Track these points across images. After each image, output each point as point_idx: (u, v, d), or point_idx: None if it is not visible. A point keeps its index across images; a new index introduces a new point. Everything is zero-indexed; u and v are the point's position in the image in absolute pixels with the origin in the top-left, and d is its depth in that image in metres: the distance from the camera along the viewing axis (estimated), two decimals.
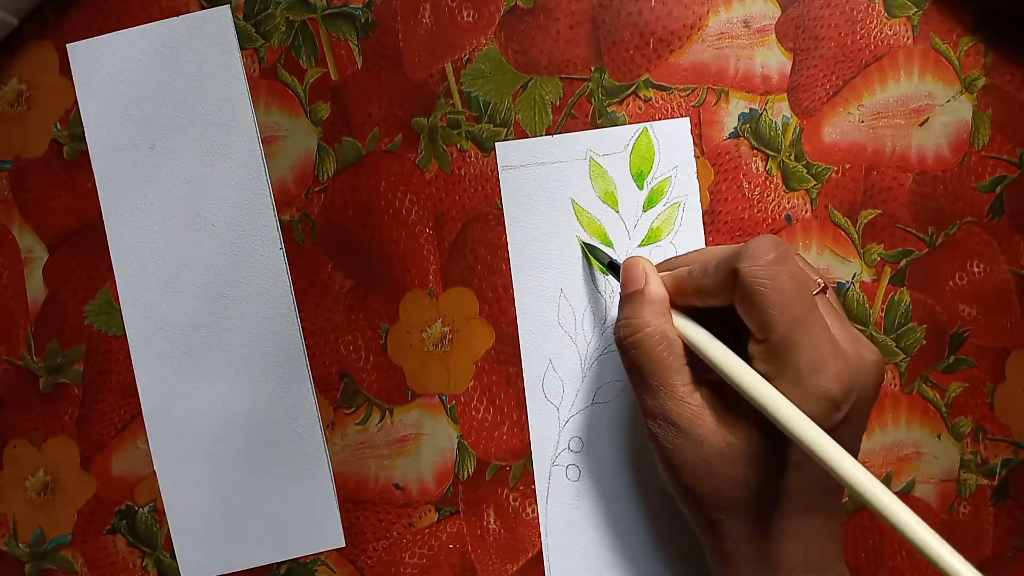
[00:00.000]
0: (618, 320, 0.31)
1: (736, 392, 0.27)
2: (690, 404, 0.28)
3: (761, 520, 0.28)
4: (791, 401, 0.26)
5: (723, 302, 0.28)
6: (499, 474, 0.38)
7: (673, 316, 0.30)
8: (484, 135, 0.37)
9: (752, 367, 0.27)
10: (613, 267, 0.34)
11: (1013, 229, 0.37)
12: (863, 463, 0.37)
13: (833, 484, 0.27)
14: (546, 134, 0.37)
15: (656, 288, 0.30)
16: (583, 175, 0.37)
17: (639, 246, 0.37)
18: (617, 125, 0.37)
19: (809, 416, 0.25)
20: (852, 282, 0.37)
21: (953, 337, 0.37)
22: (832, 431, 0.26)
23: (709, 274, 0.29)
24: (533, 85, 0.37)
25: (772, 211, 0.37)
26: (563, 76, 0.37)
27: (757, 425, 0.27)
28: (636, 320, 0.30)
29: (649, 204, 0.37)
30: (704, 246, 0.37)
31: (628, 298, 0.31)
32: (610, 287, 0.37)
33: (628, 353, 0.30)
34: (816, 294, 0.28)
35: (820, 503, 0.28)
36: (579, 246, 0.37)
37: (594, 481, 0.37)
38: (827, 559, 0.29)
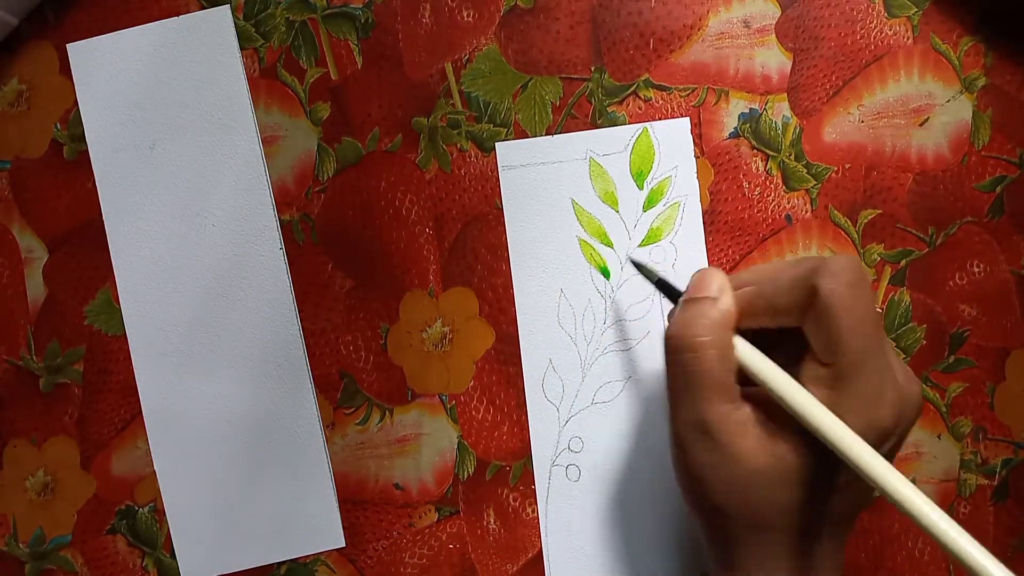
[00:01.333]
0: (677, 319, 0.29)
1: (780, 413, 0.27)
2: (735, 421, 0.27)
3: (793, 541, 0.28)
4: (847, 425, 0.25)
5: (794, 322, 0.27)
6: (499, 474, 0.38)
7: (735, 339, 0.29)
8: (484, 135, 0.37)
9: (810, 387, 0.26)
10: (664, 286, 0.33)
11: (1013, 229, 0.37)
12: None
13: (857, 508, 0.27)
14: (546, 134, 0.37)
15: (728, 301, 0.29)
16: (583, 175, 0.37)
17: (639, 246, 0.37)
18: (617, 125, 0.37)
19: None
20: None
21: (953, 337, 0.37)
22: None
23: (783, 291, 0.28)
24: (533, 85, 0.37)
25: (772, 211, 0.37)
26: (563, 76, 0.37)
27: (803, 448, 0.27)
28: (701, 323, 0.28)
29: (649, 204, 0.37)
30: (704, 246, 0.37)
31: (696, 303, 0.29)
32: (610, 288, 0.37)
33: (681, 355, 0.28)
34: None
35: (846, 524, 0.28)
36: (628, 261, 0.36)
37: (594, 481, 0.37)
38: (839, 572, 0.29)
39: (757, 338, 0.28)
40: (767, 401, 0.27)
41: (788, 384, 0.27)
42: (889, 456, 0.27)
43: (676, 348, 0.28)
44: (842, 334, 0.26)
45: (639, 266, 0.34)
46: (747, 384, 0.28)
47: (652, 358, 0.37)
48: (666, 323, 0.32)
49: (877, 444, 0.26)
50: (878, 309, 0.29)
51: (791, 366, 0.28)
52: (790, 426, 0.27)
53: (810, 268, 0.27)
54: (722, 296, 0.29)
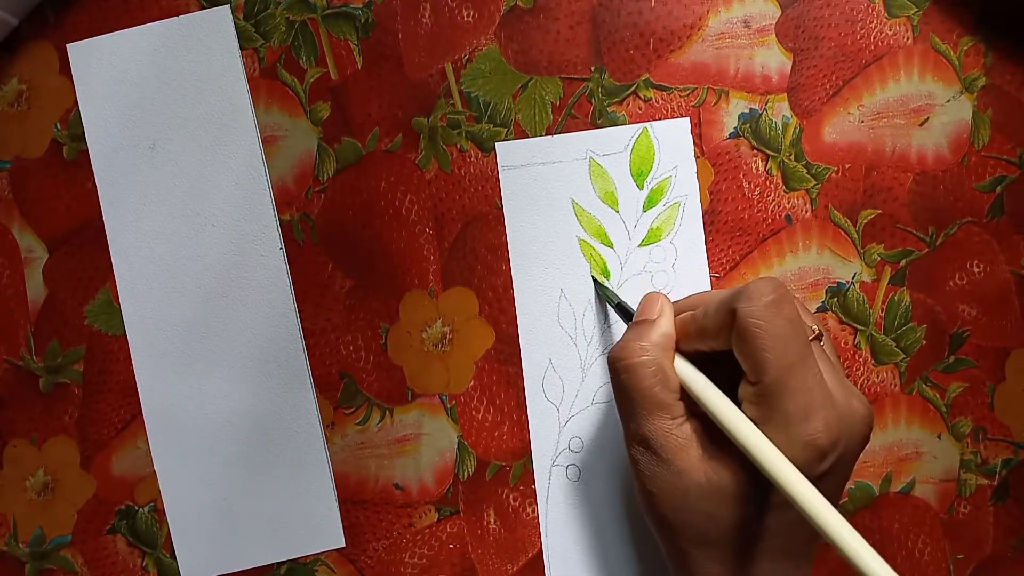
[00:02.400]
0: (619, 341, 0.31)
1: (721, 432, 0.27)
2: (675, 436, 0.28)
3: (734, 558, 0.28)
4: (777, 446, 0.26)
5: (723, 345, 0.28)
6: (499, 474, 0.38)
7: (675, 357, 0.30)
8: (484, 135, 0.37)
9: (743, 408, 0.27)
10: (621, 309, 0.34)
11: (1013, 229, 0.37)
12: (863, 463, 0.37)
13: (810, 530, 0.27)
14: (546, 134, 0.37)
15: (666, 323, 0.30)
16: (583, 175, 0.37)
17: (639, 246, 0.37)
18: (617, 125, 0.37)
19: (795, 461, 0.25)
20: (852, 282, 0.37)
21: (953, 337, 0.37)
22: (816, 480, 0.26)
23: (710, 315, 0.28)
24: (533, 85, 0.37)
25: (772, 211, 0.37)
26: (563, 76, 0.37)
27: (741, 465, 0.27)
28: (636, 345, 0.29)
29: (649, 204, 0.37)
30: (704, 246, 0.37)
31: (636, 325, 0.31)
32: (610, 288, 0.37)
33: (620, 376, 0.30)
34: (811, 340, 0.28)
35: (795, 548, 0.28)
36: (589, 276, 0.37)
37: (594, 481, 0.37)
38: None
39: (722, 362, 0.29)
40: (712, 420, 0.28)
41: (719, 401, 0.27)
42: (840, 477, 0.28)
43: (615, 369, 0.30)
44: (759, 353, 0.26)
45: (600, 285, 0.36)
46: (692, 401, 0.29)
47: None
48: None
49: (814, 461, 0.26)
50: (813, 328, 0.29)
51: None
52: (730, 445, 0.27)
53: (733, 292, 0.28)
54: (661, 319, 0.30)
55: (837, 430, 0.26)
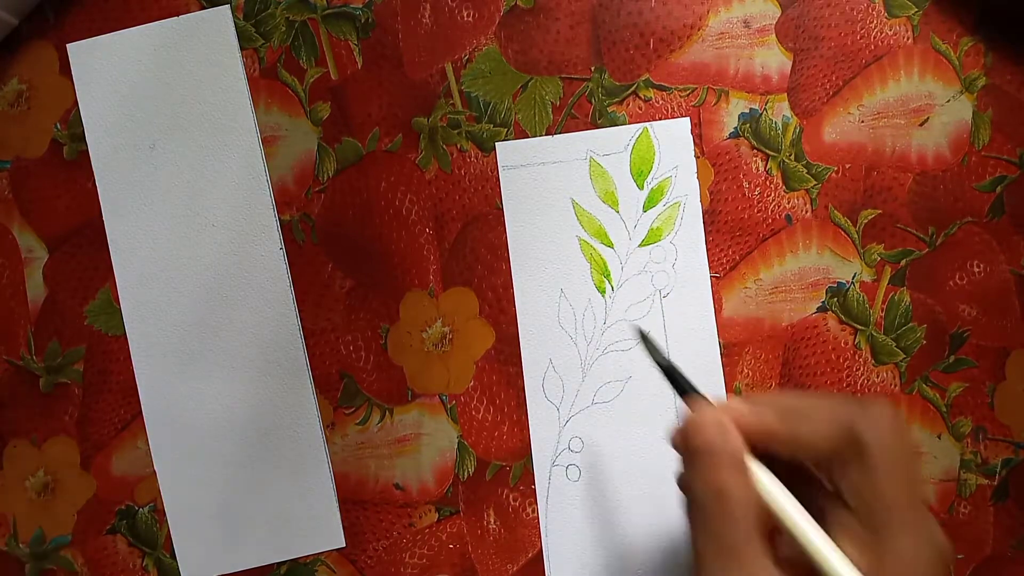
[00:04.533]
0: (696, 464, 0.26)
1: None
2: None
3: None
4: None
5: (817, 457, 0.25)
6: (499, 474, 0.38)
7: (757, 475, 0.25)
8: (484, 135, 0.37)
9: (840, 540, 0.24)
10: (668, 372, 0.29)
11: (1013, 229, 0.37)
12: None
13: None
14: (546, 134, 0.37)
15: (737, 440, 0.26)
16: (583, 175, 0.37)
17: (639, 246, 0.37)
18: (617, 125, 0.37)
19: None
20: (852, 282, 0.37)
21: (953, 337, 0.37)
22: None
23: (816, 421, 0.25)
24: (533, 85, 0.37)
25: (772, 211, 0.37)
26: (563, 76, 0.37)
27: None
28: (719, 464, 0.25)
29: (649, 204, 0.37)
30: (704, 246, 0.37)
31: (702, 450, 0.26)
32: (610, 287, 0.37)
33: (706, 503, 0.25)
34: None
35: None
36: (636, 332, 0.32)
37: (594, 481, 0.37)
38: None
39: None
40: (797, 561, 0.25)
41: (818, 540, 0.24)
42: None
43: (702, 496, 0.25)
44: (888, 488, 0.24)
45: (647, 342, 0.31)
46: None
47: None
48: (678, 422, 0.30)
49: None
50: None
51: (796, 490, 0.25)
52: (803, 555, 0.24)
53: (846, 405, 0.25)
54: (729, 433, 0.26)
55: (938, 571, 0.24)
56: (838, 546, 0.24)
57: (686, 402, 0.28)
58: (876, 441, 0.24)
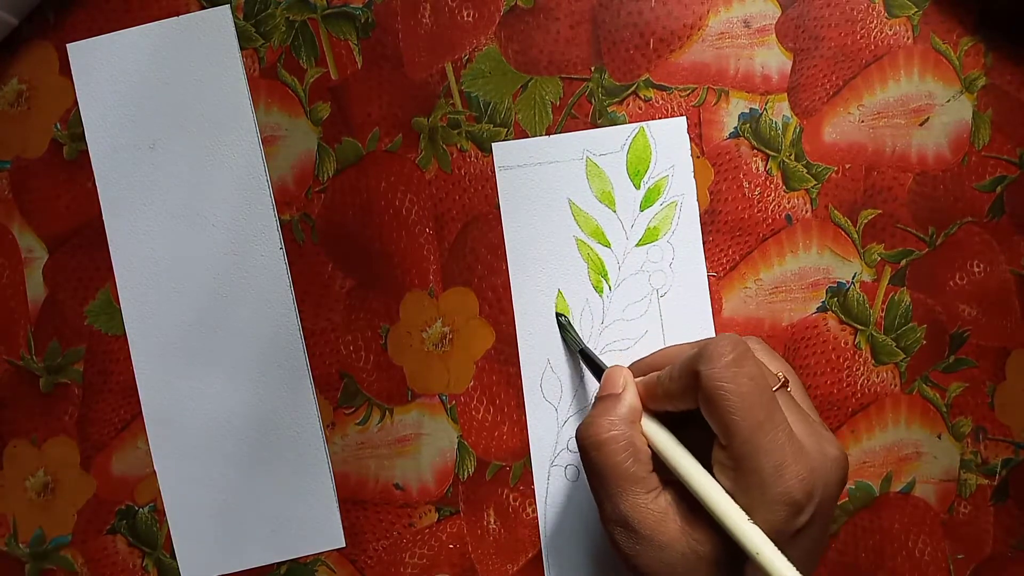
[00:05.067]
0: (585, 419, 0.30)
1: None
2: (653, 511, 0.28)
3: None
4: (754, 507, 0.26)
5: (691, 405, 0.28)
6: (499, 474, 0.38)
7: (644, 420, 0.30)
8: (484, 135, 0.37)
9: (717, 472, 0.27)
10: (585, 356, 0.35)
11: (1013, 229, 0.37)
12: (863, 463, 0.37)
13: None
14: (546, 134, 0.37)
15: (631, 396, 0.30)
16: (580, 175, 0.37)
17: (636, 245, 0.37)
18: (617, 125, 0.37)
19: (772, 521, 0.25)
20: (852, 282, 0.37)
21: (953, 337, 0.37)
22: (797, 533, 0.26)
23: (674, 378, 0.28)
24: (533, 85, 0.37)
25: (772, 211, 0.37)
26: (563, 76, 0.37)
27: (720, 530, 0.27)
28: (604, 421, 0.29)
29: (646, 203, 0.37)
30: (701, 245, 0.37)
31: (601, 400, 0.30)
32: (607, 287, 0.37)
33: (589, 454, 0.29)
34: (776, 389, 0.28)
35: None
36: (555, 319, 0.37)
37: None
38: None
39: (698, 418, 0.28)
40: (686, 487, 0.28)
41: (691, 468, 0.27)
42: (822, 525, 0.27)
43: (584, 447, 0.29)
44: (726, 415, 0.26)
45: (563, 326, 0.36)
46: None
47: None
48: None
49: (792, 516, 0.26)
50: (778, 376, 0.29)
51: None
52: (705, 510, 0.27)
53: (693, 355, 0.27)
54: (625, 392, 0.30)
55: (811, 482, 0.26)
56: (716, 479, 0.27)
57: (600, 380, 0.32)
58: (709, 375, 0.26)
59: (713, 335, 0.37)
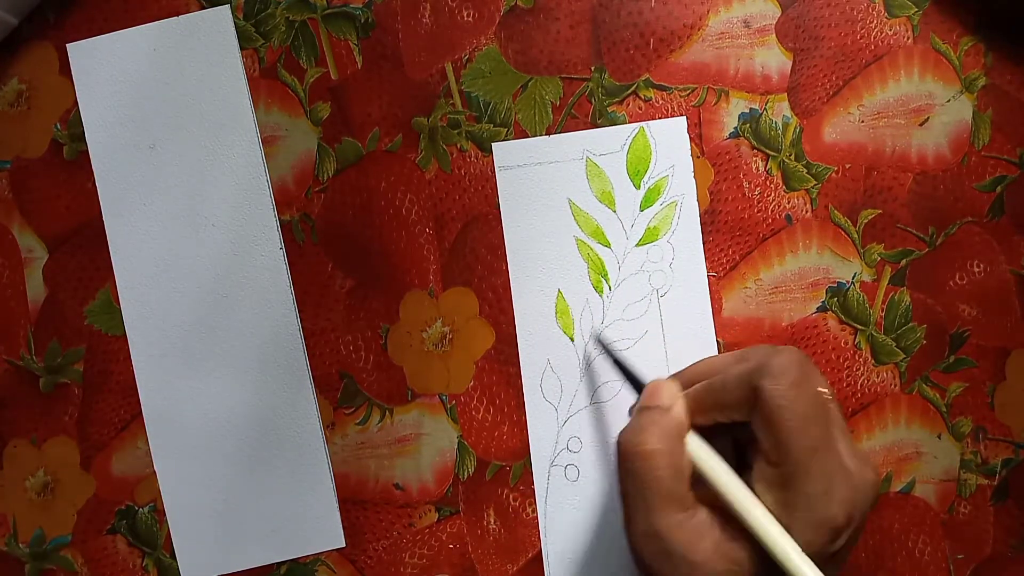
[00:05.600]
0: (630, 427, 0.29)
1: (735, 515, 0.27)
2: (688, 529, 0.27)
3: None
4: (796, 528, 0.26)
5: (743, 418, 0.28)
6: (499, 474, 0.38)
7: (689, 437, 0.29)
8: (484, 135, 0.37)
9: (761, 490, 0.27)
10: (620, 366, 0.34)
11: (1013, 229, 0.37)
12: None
13: None
14: (546, 134, 0.37)
15: (680, 411, 0.29)
16: (580, 175, 0.37)
17: (636, 245, 0.37)
18: (617, 125, 0.37)
19: (814, 544, 0.25)
20: (852, 282, 0.37)
21: (953, 337, 0.37)
22: (832, 556, 0.26)
23: (730, 390, 0.28)
24: (533, 85, 0.37)
25: (772, 211, 0.37)
26: (563, 76, 0.37)
27: (755, 550, 0.27)
28: (652, 432, 0.28)
29: (646, 203, 0.37)
30: (701, 245, 0.37)
31: (648, 411, 0.30)
32: (607, 287, 0.37)
33: (633, 464, 0.28)
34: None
35: None
36: (596, 341, 0.37)
37: (593, 481, 0.37)
38: None
39: (732, 426, 0.28)
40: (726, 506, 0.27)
41: (735, 489, 0.27)
42: (851, 543, 0.27)
43: (628, 455, 0.28)
44: (786, 436, 0.26)
45: (604, 346, 0.36)
46: (703, 484, 0.28)
47: (650, 358, 0.37)
48: (628, 417, 0.33)
49: (831, 540, 0.26)
50: (827, 396, 0.29)
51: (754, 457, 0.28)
52: (742, 530, 0.27)
53: (754, 367, 0.27)
54: (674, 406, 0.29)
55: (853, 506, 0.26)
56: (758, 496, 0.27)
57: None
58: (773, 393, 0.26)
59: (714, 335, 0.37)
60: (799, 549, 0.25)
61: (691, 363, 0.33)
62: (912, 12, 0.36)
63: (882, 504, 0.37)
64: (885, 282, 0.37)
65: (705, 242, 0.37)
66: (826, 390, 0.29)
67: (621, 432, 0.29)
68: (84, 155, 0.38)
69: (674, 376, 0.33)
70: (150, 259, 0.38)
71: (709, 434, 0.29)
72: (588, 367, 0.37)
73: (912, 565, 0.37)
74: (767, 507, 0.26)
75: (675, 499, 0.27)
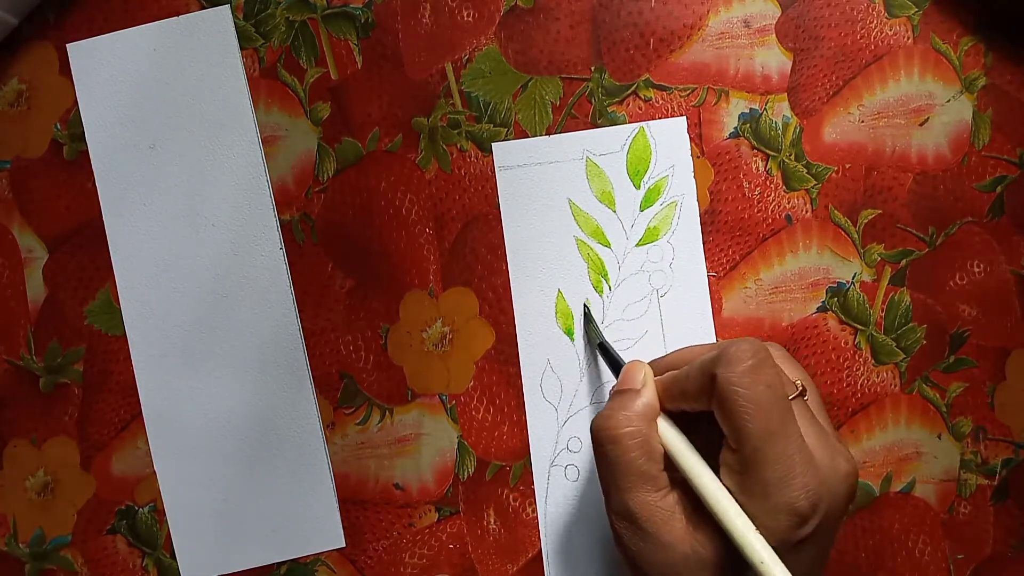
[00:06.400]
0: (602, 412, 0.30)
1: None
2: (660, 508, 0.28)
3: None
4: (757, 513, 0.26)
5: (706, 407, 0.28)
6: (499, 474, 0.38)
7: (659, 419, 0.29)
8: (484, 135, 0.37)
9: (724, 475, 0.27)
10: (604, 351, 0.34)
11: (1013, 229, 0.37)
12: (863, 463, 0.37)
13: None
14: (546, 134, 0.37)
15: (650, 394, 0.30)
16: (580, 175, 0.37)
17: (636, 245, 0.37)
18: (617, 125, 0.37)
19: (774, 529, 0.26)
20: (852, 282, 0.37)
21: (953, 337, 0.37)
22: (800, 543, 0.26)
23: (691, 378, 0.28)
24: (533, 85, 0.37)
25: (772, 211, 0.37)
26: (563, 76, 0.37)
27: (720, 534, 0.27)
28: (621, 415, 0.29)
29: (646, 203, 0.37)
30: (701, 245, 0.37)
31: (620, 394, 0.30)
32: (607, 287, 0.37)
33: (604, 447, 0.29)
34: (793, 398, 0.28)
35: None
36: (583, 307, 0.37)
37: (593, 481, 0.37)
38: None
39: (695, 417, 0.29)
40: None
41: (700, 470, 0.27)
42: (825, 538, 0.28)
43: (599, 440, 0.29)
44: (740, 422, 0.26)
45: (588, 316, 0.37)
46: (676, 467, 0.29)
47: (650, 358, 0.37)
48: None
49: (795, 527, 0.26)
50: (796, 384, 0.29)
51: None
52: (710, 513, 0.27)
53: (712, 356, 0.27)
54: (645, 388, 0.30)
55: (817, 494, 0.26)
56: (722, 481, 0.27)
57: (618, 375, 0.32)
58: (726, 379, 0.26)
59: (714, 335, 0.37)
60: (757, 532, 0.26)
61: (668, 352, 0.34)
62: (912, 12, 0.36)
63: (882, 504, 0.37)
64: (885, 282, 0.37)
65: (705, 242, 0.37)
66: (798, 381, 0.29)
67: (594, 418, 0.30)
68: (84, 155, 0.38)
69: (653, 361, 0.33)
70: (150, 259, 0.38)
71: (693, 425, 0.29)
72: (588, 367, 0.37)
73: (912, 565, 0.37)
74: (730, 491, 0.27)
75: (647, 479, 0.28)
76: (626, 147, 0.37)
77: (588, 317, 0.37)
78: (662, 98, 0.37)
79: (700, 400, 0.28)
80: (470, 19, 0.37)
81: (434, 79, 0.37)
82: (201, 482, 0.38)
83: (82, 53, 0.38)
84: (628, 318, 0.37)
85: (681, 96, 0.37)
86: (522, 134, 0.37)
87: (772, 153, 0.37)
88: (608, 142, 0.37)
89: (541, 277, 0.37)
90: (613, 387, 0.31)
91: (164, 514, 0.38)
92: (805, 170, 0.37)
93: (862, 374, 0.37)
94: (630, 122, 0.37)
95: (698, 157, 0.37)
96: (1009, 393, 0.37)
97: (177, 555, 0.38)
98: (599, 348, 0.35)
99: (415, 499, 0.38)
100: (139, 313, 0.38)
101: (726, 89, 0.37)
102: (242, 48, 0.38)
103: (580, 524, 0.37)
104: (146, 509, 0.38)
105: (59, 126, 0.38)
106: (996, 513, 0.37)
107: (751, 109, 0.37)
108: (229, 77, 0.38)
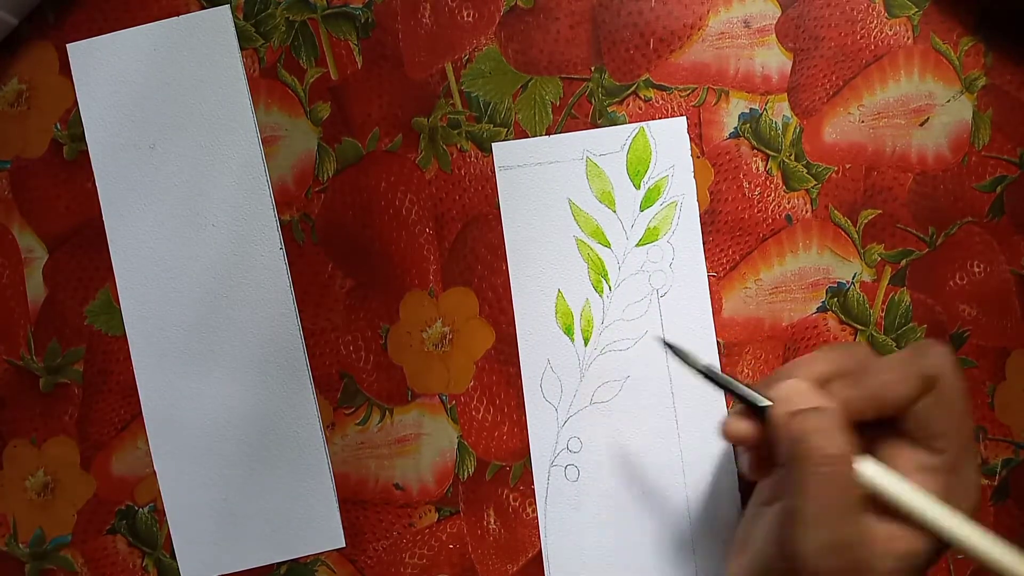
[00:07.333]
0: (807, 430, 0.26)
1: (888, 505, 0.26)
2: (873, 538, 0.26)
3: None
4: (963, 508, 0.26)
5: (897, 413, 0.27)
6: (499, 474, 0.38)
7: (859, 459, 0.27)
8: (484, 135, 0.37)
9: (923, 481, 0.26)
10: (708, 376, 0.31)
11: (1013, 229, 0.37)
12: None
13: None
14: (546, 134, 0.37)
15: (839, 412, 0.26)
16: (580, 175, 0.37)
17: (636, 245, 0.37)
18: (617, 125, 0.37)
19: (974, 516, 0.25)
20: (852, 282, 0.37)
21: (953, 337, 0.37)
22: None
23: (891, 383, 0.26)
24: (533, 85, 0.37)
25: (772, 211, 0.37)
26: (563, 76, 0.37)
27: (922, 537, 0.26)
28: (833, 434, 0.26)
29: (646, 203, 0.37)
30: (701, 245, 0.37)
31: (812, 414, 0.26)
32: (607, 287, 0.37)
33: (822, 469, 0.25)
34: None
35: None
36: (659, 343, 0.35)
37: (593, 481, 0.37)
38: None
39: None
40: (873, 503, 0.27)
41: (925, 503, 0.26)
42: None
43: (821, 461, 0.25)
44: (963, 421, 0.26)
45: (675, 350, 0.32)
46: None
47: (650, 358, 0.37)
48: (727, 413, 0.32)
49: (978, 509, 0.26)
50: None
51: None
52: (902, 516, 0.26)
53: (915, 359, 0.27)
54: (831, 406, 0.27)
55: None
56: (910, 480, 0.26)
57: (745, 394, 0.29)
58: (946, 378, 0.26)
59: (714, 336, 0.37)
60: (999, 542, 0.25)
61: (782, 368, 0.30)
62: (912, 12, 0.36)
63: None
64: (885, 282, 0.37)
65: (705, 242, 0.37)
66: None
67: (803, 436, 0.26)
68: (84, 155, 0.38)
69: (793, 380, 0.29)
70: (150, 259, 0.38)
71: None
72: (588, 367, 0.37)
73: None
74: (936, 498, 0.26)
75: (859, 501, 0.26)
76: (626, 147, 0.37)
77: (675, 351, 0.32)
78: (662, 98, 0.37)
79: (898, 407, 0.27)
80: (470, 19, 0.37)
81: (434, 79, 0.37)
82: (201, 482, 0.38)
83: (82, 53, 0.38)
84: (628, 318, 0.37)
85: (681, 96, 0.37)
86: (522, 134, 0.37)
87: (772, 153, 0.37)
88: (608, 142, 0.37)
89: (541, 277, 0.37)
90: (789, 408, 0.27)
91: (164, 514, 0.38)
92: (805, 170, 0.37)
93: None
94: (630, 122, 0.37)
95: (698, 157, 0.37)
96: (1009, 393, 0.37)
97: (177, 555, 0.38)
98: (704, 375, 0.31)
99: (415, 499, 0.38)
100: (139, 313, 0.38)
101: (726, 89, 0.37)
102: (242, 48, 0.38)
103: (580, 524, 0.37)
104: (146, 509, 0.38)
105: (59, 126, 0.38)
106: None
107: (751, 109, 0.37)
108: (229, 77, 0.38)
